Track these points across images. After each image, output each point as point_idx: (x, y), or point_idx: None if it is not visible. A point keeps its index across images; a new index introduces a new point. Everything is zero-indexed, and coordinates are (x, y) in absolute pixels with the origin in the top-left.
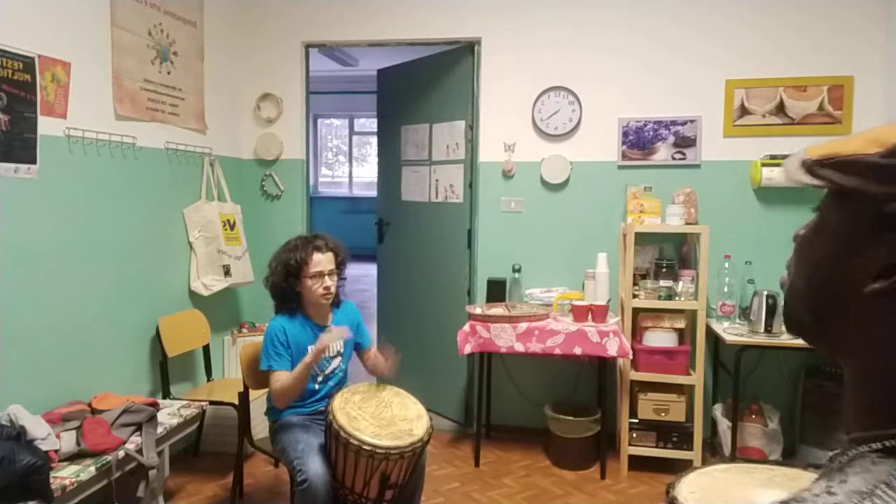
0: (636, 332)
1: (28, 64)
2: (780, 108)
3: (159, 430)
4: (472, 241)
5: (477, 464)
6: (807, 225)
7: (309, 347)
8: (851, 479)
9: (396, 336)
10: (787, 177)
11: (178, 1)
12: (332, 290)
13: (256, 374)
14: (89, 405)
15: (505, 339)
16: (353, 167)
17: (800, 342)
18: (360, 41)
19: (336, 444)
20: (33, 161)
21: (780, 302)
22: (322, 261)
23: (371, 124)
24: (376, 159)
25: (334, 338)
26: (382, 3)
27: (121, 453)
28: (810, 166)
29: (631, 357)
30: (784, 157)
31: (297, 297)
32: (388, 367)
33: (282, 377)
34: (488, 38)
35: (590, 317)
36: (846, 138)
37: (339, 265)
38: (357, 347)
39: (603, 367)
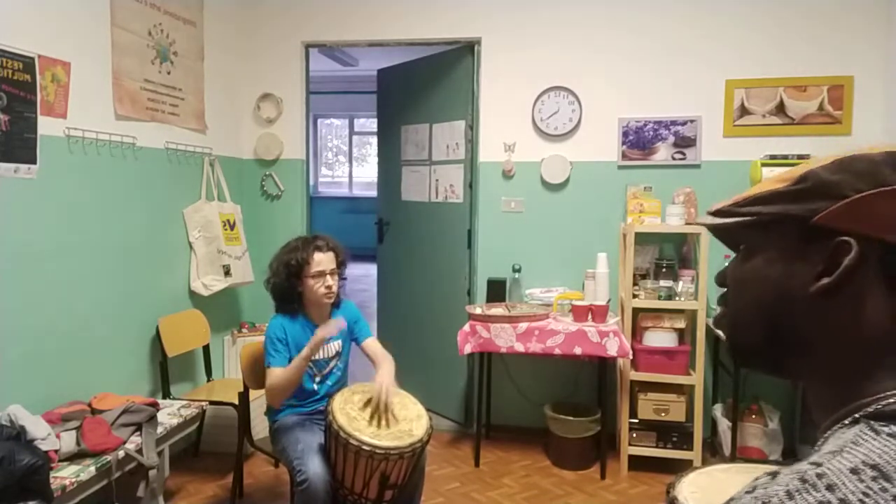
0: (636, 332)
1: (28, 64)
2: (780, 108)
3: (159, 430)
4: (472, 241)
5: (477, 464)
6: (731, 264)
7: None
8: (823, 448)
9: (396, 336)
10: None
11: (178, 1)
12: (334, 289)
13: (256, 374)
14: (89, 405)
15: (505, 339)
16: (353, 167)
17: None
18: (360, 41)
19: (336, 445)
20: (33, 161)
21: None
22: (323, 260)
23: (371, 124)
24: (376, 159)
25: (331, 329)
26: (382, 3)
27: (121, 453)
28: (731, 208)
29: (631, 357)
30: (784, 157)
31: (298, 297)
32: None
33: (276, 373)
34: (488, 38)
35: (590, 317)
36: (752, 188)
37: (340, 265)
38: (356, 341)
39: (603, 367)
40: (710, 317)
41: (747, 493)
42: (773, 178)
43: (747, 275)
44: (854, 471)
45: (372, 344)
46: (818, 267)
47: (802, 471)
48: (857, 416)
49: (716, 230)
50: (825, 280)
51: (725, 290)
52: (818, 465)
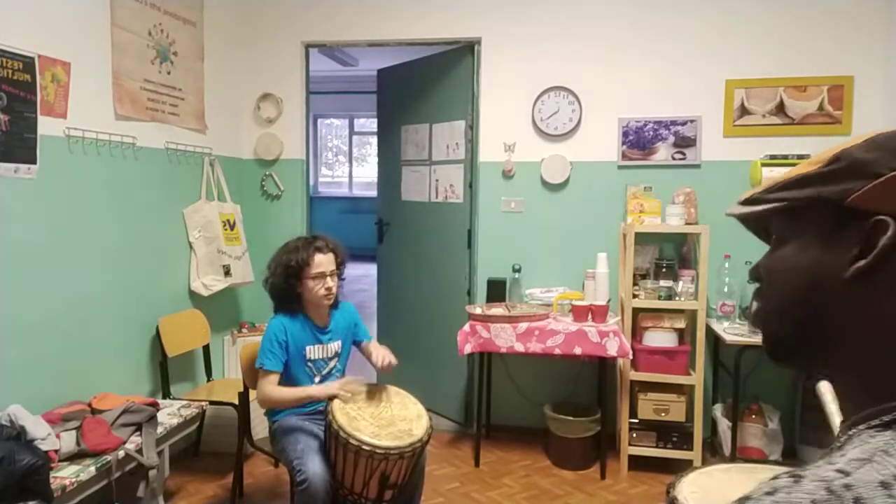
0: (636, 332)
1: (28, 64)
2: (780, 108)
3: (159, 430)
4: (472, 241)
5: (477, 464)
6: (764, 255)
7: (307, 348)
8: (850, 452)
9: (397, 336)
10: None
11: (178, 1)
12: (334, 290)
13: (256, 374)
14: (89, 405)
15: (505, 339)
16: (353, 167)
17: None
18: (360, 41)
19: (336, 444)
20: (33, 161)
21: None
22: (324, 262)
23: (371, 124)
24: (376, 159)
25: (345, 395)
26: (382, 3)
27: (121, 453)
28: (761, 195)
29: (631, 357)
30: (784, 157)
31: (297, 297)
32: (385, 361)
33: (272, 380)
34: (488, 38)
35: (590, 317)
36: (780, 174)
37: (339, 265)
38: (356, 343)
39: (603, 367)
40: (711, 317)
41: (767, 494)
42: (805, 163)
43: (779, 264)
44: (885, 484)
45: (370, 345)
46: (854, 250)
47: (829, 479)
48: (887, 419)
49: (746, 220)
50: (861, 262)
51: (759, 284)
52: (846, 473)
